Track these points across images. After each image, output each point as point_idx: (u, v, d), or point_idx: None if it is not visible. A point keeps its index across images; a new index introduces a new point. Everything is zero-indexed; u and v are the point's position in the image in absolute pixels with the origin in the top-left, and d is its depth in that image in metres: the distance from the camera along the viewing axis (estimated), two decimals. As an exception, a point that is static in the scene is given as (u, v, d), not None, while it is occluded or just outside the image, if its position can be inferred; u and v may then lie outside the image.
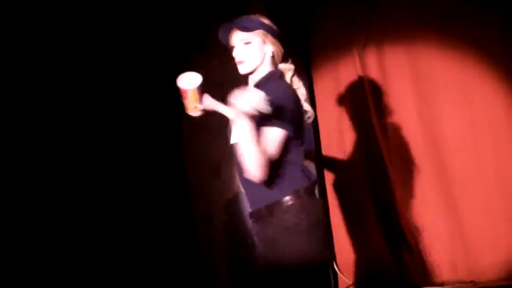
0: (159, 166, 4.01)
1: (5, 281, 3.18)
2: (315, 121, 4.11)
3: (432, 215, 3.80)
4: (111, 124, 3.81)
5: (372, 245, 3.97)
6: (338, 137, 4.11)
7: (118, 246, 3.70)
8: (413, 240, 3.83)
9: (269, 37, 2.50)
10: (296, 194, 2.35)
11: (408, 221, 3.85)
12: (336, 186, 4.09)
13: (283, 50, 2.55)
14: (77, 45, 3.70)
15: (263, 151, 2.27)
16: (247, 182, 2.39)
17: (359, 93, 4.03)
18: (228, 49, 2.53)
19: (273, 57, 2.52)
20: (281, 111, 2.31)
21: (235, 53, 2.50)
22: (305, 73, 4.11)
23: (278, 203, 2.35)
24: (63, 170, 3.56)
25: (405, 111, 3.92)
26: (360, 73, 4.02)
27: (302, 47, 4.20)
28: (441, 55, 3.82)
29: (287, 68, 2.55)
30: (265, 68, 2.51)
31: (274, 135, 2.31)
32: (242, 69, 2.50)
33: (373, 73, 4.01)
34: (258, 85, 2.45)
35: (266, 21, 2.52)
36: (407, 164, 3.88)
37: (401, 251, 3.87)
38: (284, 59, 2.55)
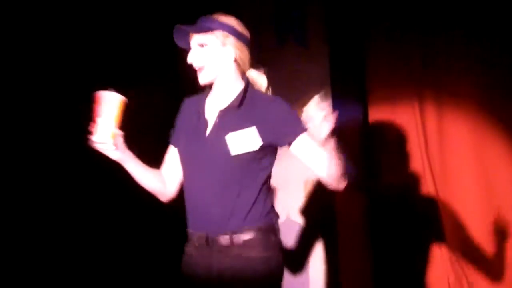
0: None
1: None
2: (369, 154, 4.13)
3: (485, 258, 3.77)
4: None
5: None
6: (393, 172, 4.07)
7: (117, 259, 3.66)
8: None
9: (231, 39, 2.05)
10: (258, 229, 2.05)
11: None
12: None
13: (250, 57, 2.11)
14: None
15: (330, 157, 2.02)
16: (203, 201, 2.08)
17: (414, 129, 4.02)
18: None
19: (237, 63, 2.08)
20: (292, 113, 2.07)
21: (189, 58, 2.08)
22: (362, 104, 4.07)
23: (240, 232, 2.03)
24: (62, 172, 3.47)
25: (461, 156, 3.87)
26: (417, 113, 4.01)
27: (359, 79, 4.06)
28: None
29: (259, 76, 2.16)
30: (230, 77, 2.08)
31: (309, 139, 2.05)
32: (202, 78, 2.08)
33: (430, 114, 3.98)
34: (241, 104, 2.06)
35: (230, 22, 2.08)
36: (458, 204, 3.85)
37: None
38: (255, 67, 2.15)
